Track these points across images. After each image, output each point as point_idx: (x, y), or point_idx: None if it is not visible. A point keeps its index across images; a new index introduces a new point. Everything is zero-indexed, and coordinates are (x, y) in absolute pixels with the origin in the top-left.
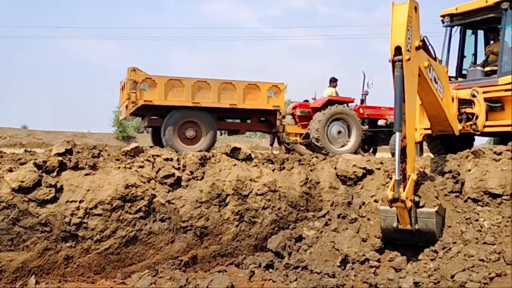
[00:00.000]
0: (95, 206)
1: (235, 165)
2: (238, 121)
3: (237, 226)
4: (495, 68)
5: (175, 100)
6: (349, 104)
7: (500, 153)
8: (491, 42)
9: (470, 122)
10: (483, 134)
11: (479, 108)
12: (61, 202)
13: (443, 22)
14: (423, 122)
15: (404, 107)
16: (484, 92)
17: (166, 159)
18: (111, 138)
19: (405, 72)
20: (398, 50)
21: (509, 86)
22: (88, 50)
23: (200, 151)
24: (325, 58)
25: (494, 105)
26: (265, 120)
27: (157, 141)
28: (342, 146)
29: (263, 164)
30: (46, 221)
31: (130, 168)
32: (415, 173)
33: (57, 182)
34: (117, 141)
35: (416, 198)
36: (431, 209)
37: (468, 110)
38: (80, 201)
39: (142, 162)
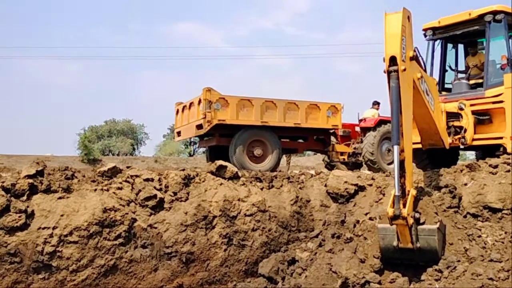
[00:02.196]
0: (70, 233)
1: (221, 184)
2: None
3: (225, 250)
4: (480, 81)
5: (245, 120)
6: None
7: (496, 166)
8: (472, 55)
9: (459, 136)
10: (471, 147)
11: (467, 121)
12: (33, 229)
13: (425, 35)
14: None
15: (401, 119)
16: (471, 105)
17: (147, 180)
18: (76, 161)
19: (401, 83)
20: (392, 61)
21: (496, 99)
22: (51, 70)
23: (267, 170)
24: (292, 77)
25: (482, 118)
26: (319, 139)
27: (215, 160)
28: (389, 164)
29: (251, 182)
30: (16, 250)
31: (108, 190)
32: (413, 188)
33: (28, 207)
34: (83, 164)
35: (417, 215)
36: (432, 226)
37: (456, 123)
38: (54, 228)
39: (121, 183)
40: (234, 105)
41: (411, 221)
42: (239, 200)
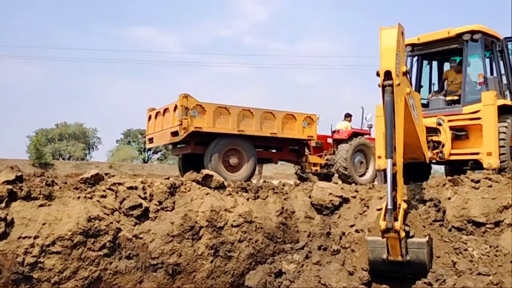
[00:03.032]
0: (53, 243)
1: (207, 194)
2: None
3: (212, 261)
4: (456, 98)
5: (222, 128)
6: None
7: (478, 181)
8: (456, 72)
9: (437, 150)
10: (448, 162)
11: (445, 137)
12: (12, 238)
13: None
14: None
15: (394, 132)
16: (449, 121)
17: (130, 188)
18: (26, 165)
19: (395, 97)
20: (387, 75)
21: (473, 115)
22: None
23: (242, 179)
24: (250, 87)
25: (460, 134)
26: (294, 150)
27: (187, 169)
28: (361, 176)
29: (237, 192)
30: None
31: (91, 198)
32: (404, 201)
33: (7, 214)
34: (34, 168)
35: (407, 228)
36: (422, 239)
37: (435, 138)
38: (35, 237)
39: (104, 191)
40: (211, 113)
41: (403, 234)
42: (225, 210)
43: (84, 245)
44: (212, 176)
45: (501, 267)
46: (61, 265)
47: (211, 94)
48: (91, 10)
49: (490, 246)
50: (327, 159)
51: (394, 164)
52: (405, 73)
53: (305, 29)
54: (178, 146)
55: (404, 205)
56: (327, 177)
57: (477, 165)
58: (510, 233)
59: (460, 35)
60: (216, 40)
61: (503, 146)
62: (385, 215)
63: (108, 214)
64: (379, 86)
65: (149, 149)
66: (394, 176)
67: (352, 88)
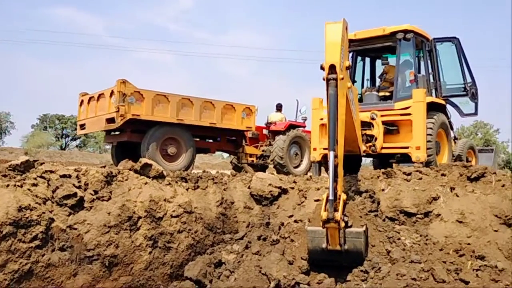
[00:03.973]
0: None
1: (146, 183)
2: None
3: (150, 253)
4: (388, 93)
5: (160, 116)
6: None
7: (409, 174)
8: (389, 67)
9: (370, 144)
10: (378, 155)
11: (378, 131)
12: None
13: None
14: (322, 142)
15: (337, 125)
16: (382, 116)
17: (63, 176)
18: None
19: (338, 91)
20: (331, 69)
21: (404, 111)
22: None
23: (179, 169)
24: (174, 74)
25: (391, 128)
26: (231, 140)
27: (121, 157)
28: (296, 167)
29: (176, 182)
30: None
31: (21, 186)
32: (343, 192)
33: None
34: None
35: (346, 218)
36: (359, 229)
37: (368, 132)
38: None
39: (35, 179)
40: (150, 100)
41: (342, 224)
42: (165, 200)
43: (14, 237)
44: (151, 165)
45: (431, 255)
46: None
47: (135, 80)
48: None
49: (421, 235)
50: (263, 150)
51: (336, 156)
52: (347, 68)
53: (231, 20)
54: (113, 133)
55: (343, 196)
56: (262, 168)
57: (403, 159)
58: (439, 223)
59: (394, 34)
60: (141, 25)
61: (430, 141)
62: (326, 206)
63: (40, 204)
64: (323, 79)
65: (67, 136)
66: (335, 167)
67: (273, 80)
